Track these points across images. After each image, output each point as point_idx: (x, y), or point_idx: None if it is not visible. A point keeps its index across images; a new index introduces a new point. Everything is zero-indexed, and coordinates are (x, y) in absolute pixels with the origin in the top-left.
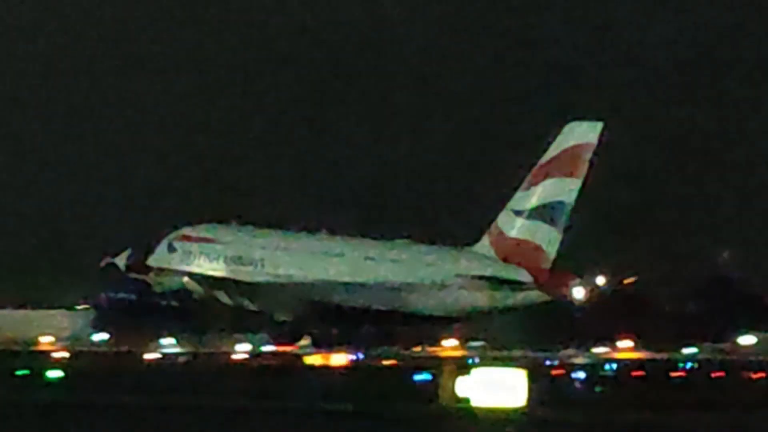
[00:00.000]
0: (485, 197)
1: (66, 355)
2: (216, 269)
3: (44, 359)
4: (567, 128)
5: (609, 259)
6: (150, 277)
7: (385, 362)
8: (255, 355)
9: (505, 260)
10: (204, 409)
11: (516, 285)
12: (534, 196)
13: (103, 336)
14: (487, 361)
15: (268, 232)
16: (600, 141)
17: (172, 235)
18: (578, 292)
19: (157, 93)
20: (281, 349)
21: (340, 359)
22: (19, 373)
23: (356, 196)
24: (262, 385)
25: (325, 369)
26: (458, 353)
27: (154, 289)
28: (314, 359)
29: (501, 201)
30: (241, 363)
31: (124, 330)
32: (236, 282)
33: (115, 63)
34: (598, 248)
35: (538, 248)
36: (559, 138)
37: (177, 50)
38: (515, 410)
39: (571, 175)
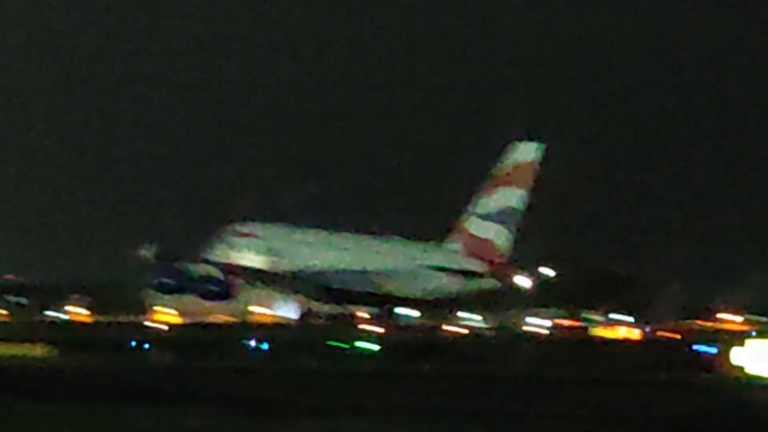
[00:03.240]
0: (455, 202)
1: (380, 330)
2: (256, 261)
3: (359, 333)
4: (516, 147)
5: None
6: (182, 265)
7: (668, 334)
8: (548, 328)
9: (470, 255)
10: (498, 377)
11: (475, 275)
12: (492, 202)
13: (412, 312)
14: (763, 335)
15: (298, 229)
16: (543, 158)
17: (226, 231)
18: (523, 282)
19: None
20: (571, 323)
21: (626, 332)
22: (333, 344)
23: (361, 201)
24: (555, 354)
25: (612, 341)
26: (737, 327)
27: (189, 276)
28: (602, 332)
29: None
30: (534, 335)
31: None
32: (267, 273)
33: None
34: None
35: (494, 245)
36: (511, 155)
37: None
38: None
39: (520, 186)
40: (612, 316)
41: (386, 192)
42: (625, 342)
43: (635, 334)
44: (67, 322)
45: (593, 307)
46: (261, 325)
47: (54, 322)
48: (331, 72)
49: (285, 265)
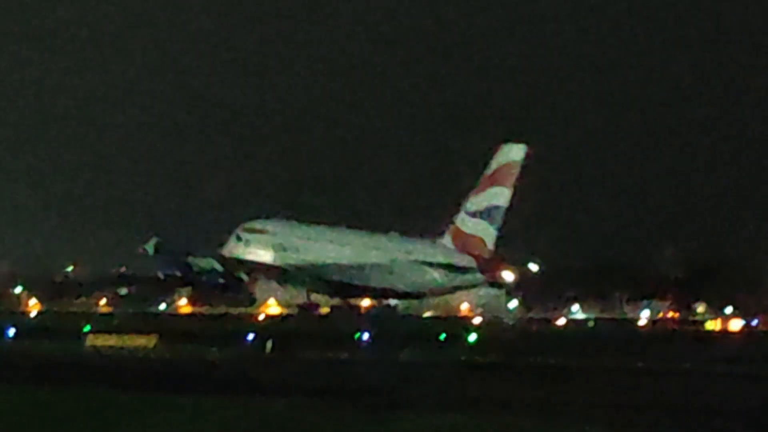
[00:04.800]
0: (451, 201)
1: (480, 320)
2: (266, 256)
3: (463, 324)
4: (503, 149)
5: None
6: (189, 260)
7: None
8: (655, 321)
9: (460, 250)
10: (604, 370)
11: (464, 269)
12: (481, 201)
13: (514, 303)
14: None
15: (304, 225)
16: (525, 158)
17: (239, 228)
18: (508, 276)
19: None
20: (676, 315)
21: (736, 325)
22: (441, 337)
23: (363, 200)
24: (661, 348)
25: (723, 333)
26: None
27: (194, 269)
28: (713, 324)
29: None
30: (643, 328)
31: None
32: (275, 267)
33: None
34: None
35: (482, 241)
36: (497, 156)
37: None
38: None
39: (505, 184)
40: (719, 308)
41: (388, 192)
42: (731, 333)
43: (740, 326)
44: (172, 312)
45: (699, 300)
46: (365, 315)
47: (159, 313)
48: (334, 82)
49: (292, 259)
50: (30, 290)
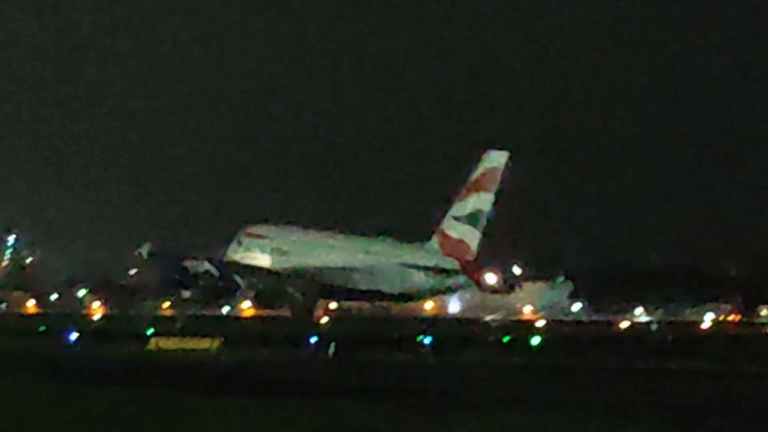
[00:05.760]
0: (440, 206)
1: (544, 323)
2: (264, 260)
3: (527, 327)
4: (486, 155)
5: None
6: (185, 263)
7: None
8: (718, 323)
9: (446, 254)
10: (667, 373)
11: (450, 272)
12: (465, 206)
13: (578, 306)
14: None
15: (300, 230)
16: (507, 165)
17: (240, 232)
18: (491, 278)
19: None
20: (738, 318)
21: None
22: (504, 339)
23: (360, 205)
24: (727, 350)
25: None
26: None
27: (190, 272)
28: None
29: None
30: (707, 331)
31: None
32: (272, 271)
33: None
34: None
35: (466, 245)
36: (481, 162)
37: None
38: None
39: (488, 190)
40: None
41: (384, 198)
42: None
43: None
44: (235, 315)
45: (763, 302)
46: (425, 319)
47: (223, 316)
48: (330, 89)
49: (287, 263)
50: (93, 294)
